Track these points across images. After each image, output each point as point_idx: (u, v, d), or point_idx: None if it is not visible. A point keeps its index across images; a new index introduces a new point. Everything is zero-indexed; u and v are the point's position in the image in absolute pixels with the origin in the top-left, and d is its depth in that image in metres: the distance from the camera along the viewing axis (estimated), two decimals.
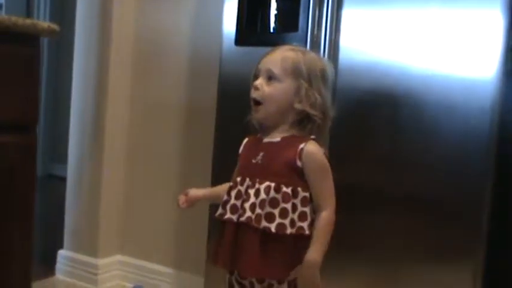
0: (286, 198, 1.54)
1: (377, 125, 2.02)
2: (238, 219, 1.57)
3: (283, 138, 1.60)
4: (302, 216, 1.55)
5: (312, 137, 1.59)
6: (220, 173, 2.33)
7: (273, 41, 2.23)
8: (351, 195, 2.04)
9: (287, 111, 1.60)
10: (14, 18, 1.49)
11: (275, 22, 2.27)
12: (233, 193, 1.61)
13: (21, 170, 1.62)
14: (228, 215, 1.59)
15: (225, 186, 1.68)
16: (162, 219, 2.85)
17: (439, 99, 1.91)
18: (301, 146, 1.56)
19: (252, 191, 1.57)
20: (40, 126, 4.89)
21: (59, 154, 5.07)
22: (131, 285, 2.84)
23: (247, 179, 1.59)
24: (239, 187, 1.60)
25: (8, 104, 1.55)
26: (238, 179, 1.62)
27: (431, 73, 1.92)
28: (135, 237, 2.93)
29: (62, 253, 2.97)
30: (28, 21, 1.53)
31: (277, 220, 1.53)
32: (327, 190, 1.60)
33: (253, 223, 1.53)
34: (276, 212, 1.53)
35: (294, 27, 2.14)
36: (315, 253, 1.55)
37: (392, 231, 2.01)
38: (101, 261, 2.87)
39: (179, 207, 1.83)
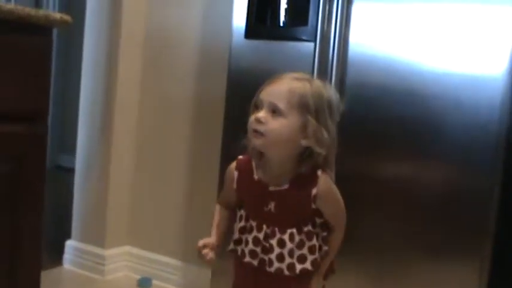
0: (309, 236, 1.53)
1: (385, 120, 2.02)
2: (260, 264, 1.54)
3: (291, 183, 1.52)
4: (325, 240, 1.58)
5: (319, 172, 1.52)
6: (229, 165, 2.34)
7: (282, 35, 2.24)
8: (359, 188, 2.05)
9: (291, 149, 1.49)
10: (27, 9, 1.49)
11: (285, 16, 2.28)
12: (250, 238, 1.55)
13: (31, 160, 1.64)
14: (247, 259, 1.55)
15: (223, 218, 1.67)
16: (170, 211, 2.86)
17: (448, 96, 1.91)
18: (314, 191, 1.50)
19: (274, 242, 1.52)
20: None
21: (67, 145, 5.08)
22: (138, 277, 2.85)
23: (264, 226, 1.54)
24: (256, 233, 1.55)
25: (19, 95, 1.56)
26: (254, 223, 1.55)
27: (441, 69, 1.92)
28: (143, 229, 2.95)
29: (69, 243, 2.99)
30: (41, 12, 1.54)
31: (310, 258, 1.53)
32: (341, 216, 1.59)
33: (288, 273, 1.52)
34: (305, 251, 1.53)
35: (304, 22, 2.14)
36: (324, 267, 1.60)
37: (398, 227, 2.02)
38: (109, 252, 2.89)
39: (208, 261, 1.61)
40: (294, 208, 1.53)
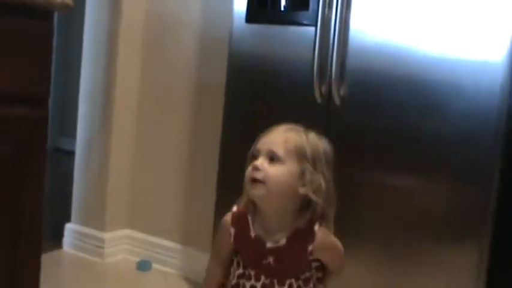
0: (306, 282, 1.54)
1: (386, 105, 2.02)
2: None
3: (288, 239, 1.52)
4: (320, 280, 1.58)
5: (316, 227, 1.52)
6: (229, 150, 2.34)
7: (283, 19, 2.24)
8: (359, 173, 2.06)
9: (289, 198, 1.49)
10: None
11: (286, 0, 2.27)
12: (248, 285, 1.55)
13: (32, 143, 1.64)
14: None
15: (216, 280, 1.66)
16: (170, 194, 2.87)
17: (448, 81, 1.91)
18: (310, 248, 1.51)
19: None
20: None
21: (67, 128, 5.09)
22: (138, 260, 2.86)
23: (263, 277, 1.54)
24: (254, 282, 1.55)
25: (21, 78, 1.56)
26: (252, 273, 1.55)
27: (441, 54, 1.92)
28: (143, 212, 2.96)
29: (69, 226, 3.01)
30: None
31: None
32: (339, 263, 1.60)
33: None
34: None
35: (305, 6, 2.14)
36: None
37: (399, 214, 2.03)
38: (108, 235, 2.90)
39: None
40: (291, 263, 1.53)
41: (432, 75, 1.94)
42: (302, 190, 1.48)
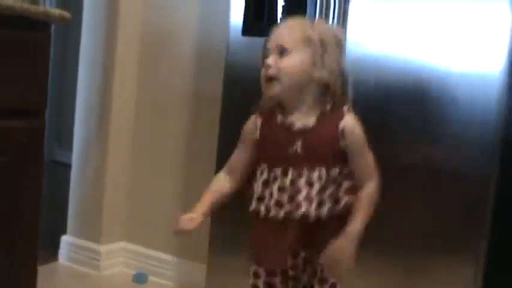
0: (334, 180, 1.49)
1: (381, 117, 2.03)
2: (287, 215, 1.49)
3: (317, 120, 1.50)
4: (349, 190, 1.51)
5: (345, 107, 1.51)
6: (225, 163, 2.34)
7: None
8: None
9: (306, 85, 1.49)
10: (26, 6, 1.50)
11: (282, 13, 2.28)
12: (274, 188, 1.50)
13: (29, 155, 1.64)
14: (273, 212, 1.50)
15: (217, 190, 1.64)
16: (167, 207, 2.87)
17: (445, 93, 1.92)
18: (341, 125, 1.48)
19: (302, 182, 1.48)
20: None
21: (63, 140, 5.09)
22: (134, 272, 2.85)
23: (291, 170, 1.49)
24: (281, 179, 1.50)
25: (18, 89, 1.57)
26: (278, 170, 1.51)
27: (438, 67, 1.93)
28: (139, 225, 2.95)
29: (65, 239, 3.00)
30: (40, 8, 1.55)
31: (327, 204, 1.48)
32: (370, 163, 1.54)
33: (314, 214, 1.47)
34: (326, 197, 1.48)
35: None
36: (356, 225, 1.49)
37: (395, 221, 2.03)
38: (104, 248, 2.90)
39: (182, 231, 1.63)
40: (321, 145, 1.50)
41: (429, 87, 1.94)
42: (317, 73, 1.47)
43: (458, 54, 1.90)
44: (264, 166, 1.54)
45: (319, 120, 1.50)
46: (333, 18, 2.08)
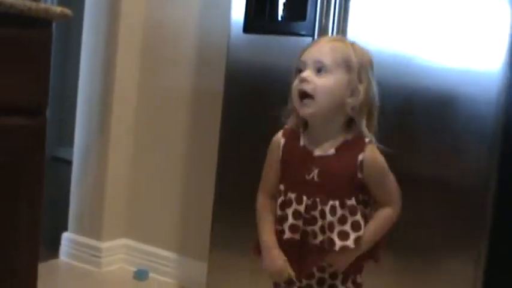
0: (353, 211, 1.47)
1: (381, 114, 2.03)
2: (303, 238, 1.49)
3: (337, 150, 1.48)
4: (368, 218, 1.52)
5: (367, 140, 1.49)
6: (226, 160, 2.35)
7: (280, 29, 2.25)
8: None
9: (338, 109, 1.46)
10: (27, 3, 1.50)
11: (283, 10, 2.28)
12: (289, 211, 1.50)
13: (31, 152, 1.64)
14: (288, 235, 1.50)
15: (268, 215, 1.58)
16: (167, 204, 2.87)
17: (445, 90, 1.92)
18: (360, 157, 1.47)
19: (316, 213, 1.48)
20: None
21: (64, 137, 5.08)
22: (135, 269, 2.86)
23: (305, 198, 1.48)
24: (296, 206, 1.49)
25: (19, 87, 1.57)
26: (293, 195, 1.50)
27: (438, 64, 1.93)
28: (140, 222, 2.95)
29: (66, 236, 3.00)
30: (41, 5, 1.55)
31: (352, 235, 1.46)
32: (390, 188, 1.53)
33: (327, 247, 1.46)
34: (348, 228, 1.46)
35: (302, 16, 2.15)
36: (364, 242, 1.49)
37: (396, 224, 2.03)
38: (105, 245, 2.90)
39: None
40: (338, 176, 1.48)
41: (429, 84, 1.94)
42: (350, 100, 1.45)
43: (459, 51, 1.91)
44: (282, 187, 1.54)
45: (339, 149, 1.49)
46: (334, 15, 2.08)
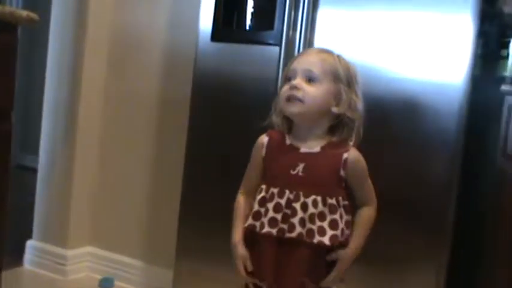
0: (333, 210, 1.54)
1: None
2: (279, 233, 1.53)
3: (322, 148, 1.57)
4: (348, 224, 1.57)
5: (351, 143, 1.58)
6: (193, 168, 2.35)
7: (248, 38, 2.26)
8: None
9: (324, 115, 1.56)
10: None
11: (251, 20, 2.30)
12: (270, 205, 1.55)
13: None
14: (267, 229, 1.54)
15: (245, 213, 1.64)
16: (133, 212, 2.86)
17: (409, 101, 1.95)
18: (345, 156, 1.55)
19: (297, 205, 1.53)
20: None
21: (29, 144, 5.02)
22: (100, 277, 2.84)
23: (287, 192, 1.54)
24: (278, 199, 1.55)
25: None
26: (275, 190, 1.56)
27: (402, 75, 1.96)
28: (106, 229, 2.93)
29: (30, 243, 2.96)
30: (7, 9, 1.54)
31: (329, 232, 1.52)
32: (369, 190, 1.62)
33: (306, 238, 1.52)
34: (326, 225, 1.52)
35: (270, 26, 2.17)
36: (354, 245, 1.58)
37: None
38: (70, 252, 2.87)
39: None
40: (322, 171, 1.55)
41: (394, 95, 1.97)
42: (335, 109, 1.55)
43: (422, 63, 1.94)
44: (263, 186, 1.59)
45: (324, 148, 1.57)
46: (301, 25, 2.10)
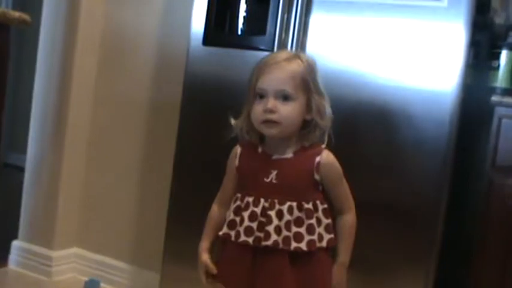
0: (309, 214, 1.53)
1: (338, 130, 2.05)
2: (256, 242, 1.52)
3: (295, 153, 1.57)
4: (328, 228, 1.56)
5: (323, 146, 1.58)
6: (181, 171, 2.34)
7: (240, 43, 2.26)
8: None
9: (297, 126, 1.56)
10: None
11: (243, 24, 2.30)
12: (245, 214, 1.55)
13: None
14: (243, 238, 1.54)
15: (215, 225, 1.66)
16: (121, 214, 2.85)
17: (400, 108, 1.96)
18: (317, 159, 1.55)
19: (272, 213, 1.52)
20: None
21: (16, 143, 5.00)
22: (86, 279, 2.82)
23: (262, 200, 1.54)
24: (253, 208, 1.54)
25: None
26: (250, 199, 1.55)
27: (393, 82, 1.97)
28: (93, 231, 2.92)
29: (16, 244, 2.95)
30: None
31: (306, 238, 1.52)
32: (346, 193, 1.61)
33: (282, 246, 1.51)
34: (303, 230, 1.52)
35: (262, 31, 2.17)
36: (346, 256, 1.60)
37: None
38: (56, 254, 2.86)
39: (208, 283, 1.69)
40: (296, 176, 1.55)
41: (385, 102, 1.98)
42: (308, 117, 1.55)
43: (414, 71, 1.94)
44: (238, 195, 1.59)
45: (297, 153, 1.57)
46: (294, 30, 2.10)
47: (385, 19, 1.99)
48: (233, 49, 2.25)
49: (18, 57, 5.16)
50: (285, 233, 1.51)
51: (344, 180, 1.61)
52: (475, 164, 2.15)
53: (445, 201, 1.93)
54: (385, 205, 1.99)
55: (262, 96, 1.54)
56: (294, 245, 1.51)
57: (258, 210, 1.54)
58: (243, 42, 2.25)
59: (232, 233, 1.56)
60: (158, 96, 2.76)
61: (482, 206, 1.99)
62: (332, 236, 1.56)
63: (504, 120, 1.92)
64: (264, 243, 1.51)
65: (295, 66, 1.54)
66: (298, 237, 1.52)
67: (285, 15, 2.12)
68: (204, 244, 1.67)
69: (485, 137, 1.97)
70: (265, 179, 1.55)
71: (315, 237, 1.53)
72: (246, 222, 1.54)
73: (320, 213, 1.55)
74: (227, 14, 2.29)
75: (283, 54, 1.58)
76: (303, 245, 1.52)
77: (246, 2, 2.29)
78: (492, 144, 1.94)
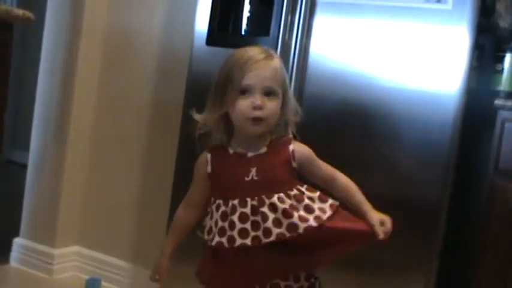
0: (299, 198, 1.53)
1: (342, 131, 2.05)
2: (254, 242, 1.49)
3: (268, 147, 1.57)
4: (322, 198, 1.55)
5: (290, 136, 1.60)
6: (183, 171, 2.34)
7: (243, 43, 2.24)
8: None
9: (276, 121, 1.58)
10: None
11: (247, 25, 2.30)
12: (235, 217, 1.51)
13: None
14: (239, 241, 1.50)
15: (179, 229, 1.70)
16: (122, 213, 2.85)
17: (403, 110, 1.96)
18: (291, 148, 1.57)
19: (265, 209, 1.50)
20: None
21: (19, 140, 5.01)
22: (87, 277, 2.83)
23: (249, 200, 1.51)
24: (241, 209, 1.51)
25: None
26: (235, 201, 1.52)
27: (397, 84, 1.97)
28: (95, 229, 2.92)
29: (17, 241, 2.95)
30: (3, 7, 1.53)
31: (310, 216, 1.50)
32: (325, 164, 1.63)
33: (290, 234, 1.48)
34: (303, 212, 1.50)
35: (266, 32, 2.16)
36: (367, 204, 1.62)
37: None
38: (58, 251, 2.86)
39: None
40: (275, 168, 1.55)
41: (387, 104, 1.98)
42: (284, 110, 1.57)
43: (417, 73, 1.94)
44: (219, 202, 1.56)
45: (270, 147, 1.57)
46: (298, 31, 2.10)
47: (389, 21, 1.99)
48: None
49: (22, 55, 5.16)
50: (286, 221, 1.48)
51: (318, 159, 1.62)
52: (477, 167, 2.14)
53: (448, 204, 1.93)
54: (387, 207, 1.99)
55: (244, 92, 1.52)
56: (302, 226, 1.48)
57: (247, 210, 1.51)
58: (247, 43, 2.22)
59: (224, 240, 1.52)
60: (161, 95, 2.76)
61: (485, 209, 1.99)
62: (330, 201, 1.55)
63: (507, 124, 1.92)
64: (265, 240, 1.48)
65: (277, 63, 1.57)
66: (302, 219, 1.49)
67: (289, 17, 2.11)
68: (167, 250, 1.71)
69: (488, 140, 1.97)
70: (245, 178, 1.53)
71: (318, 213, 1.51)
72: (238, 225, 1.50)
73: (308, 193, 1.55)
74: (231, 15, 2.29)
75: (259, 50, 1.58)
76: (312, 222, 1.49)
77: (250, 3, 2.29)
78: (495, 147, 1.94)
